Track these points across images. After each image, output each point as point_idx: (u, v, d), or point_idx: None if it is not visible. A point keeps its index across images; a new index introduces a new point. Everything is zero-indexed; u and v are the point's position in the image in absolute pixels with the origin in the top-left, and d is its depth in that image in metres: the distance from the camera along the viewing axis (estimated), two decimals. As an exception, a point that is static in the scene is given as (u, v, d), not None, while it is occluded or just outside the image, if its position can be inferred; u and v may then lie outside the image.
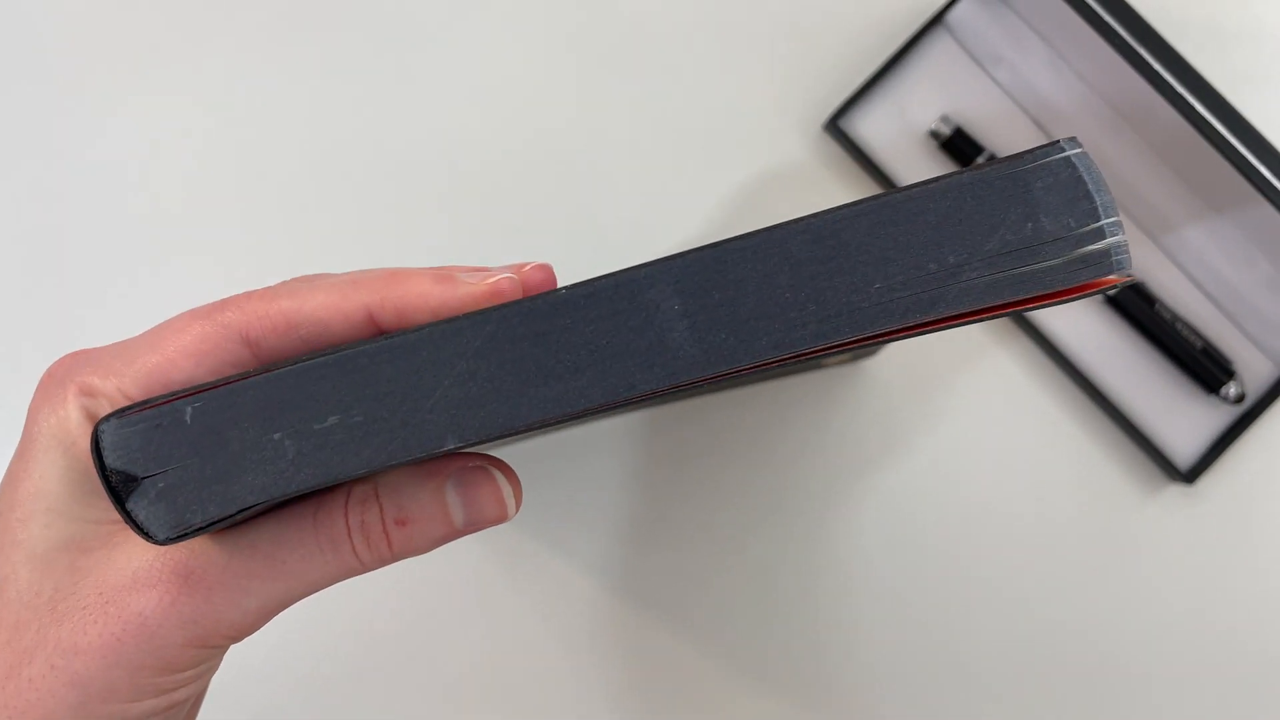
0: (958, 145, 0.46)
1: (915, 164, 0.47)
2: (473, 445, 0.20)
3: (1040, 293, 0.19)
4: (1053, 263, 0.19)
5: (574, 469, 0.47)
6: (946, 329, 0.20)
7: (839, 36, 0.48)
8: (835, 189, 0.48)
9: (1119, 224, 0.19)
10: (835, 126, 0.47)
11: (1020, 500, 0.47)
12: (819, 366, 0.45)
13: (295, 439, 0.20)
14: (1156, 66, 0.40)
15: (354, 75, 0.49)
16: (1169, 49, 0.42)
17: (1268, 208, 0.40)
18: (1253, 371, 0.46)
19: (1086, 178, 0.19)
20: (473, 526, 0.24)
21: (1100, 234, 0.19)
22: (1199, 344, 0.45)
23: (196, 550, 0.22)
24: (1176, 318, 0.45)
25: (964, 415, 0.47)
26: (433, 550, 0.24)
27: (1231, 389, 0.45)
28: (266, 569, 0.22)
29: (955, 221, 0.19)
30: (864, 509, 0.46)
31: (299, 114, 0.49)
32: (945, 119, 0.46)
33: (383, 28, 0.49)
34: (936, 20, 0.47)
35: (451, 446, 0.20)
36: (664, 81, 0.48)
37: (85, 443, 0.22)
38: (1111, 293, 0.20)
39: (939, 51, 0.47)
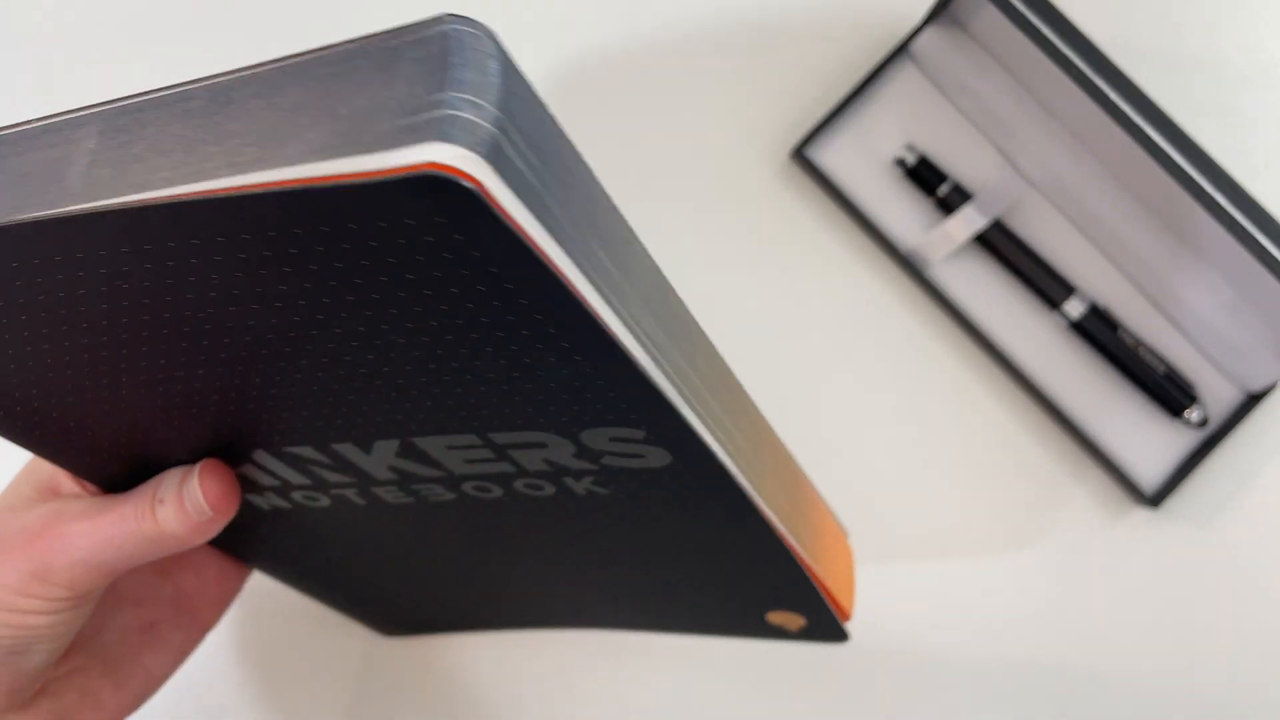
0: (922, 173, 0.47)
1: (881, 191, 0.47)
2: None
3: (358, 151, 0.16)
4: (384, 126, 0.16)
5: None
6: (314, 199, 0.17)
7: (805, 66, 0.49)
8: (802, 216, 0.48)
9: (475, 104, 0.16)
10: (801, 155, 0.47)
11: (985, 524, 0.47)
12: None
13: None
14: (1113, 96, 0.41)
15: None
16: (1125, 78, 0.42)
17: (1226, 235, 0.41)
18: (1215, 395, 0.46)
19: (454, 51, 0.17)
20: (195, 514, 0.27)
21: (441, 104, 0.16)
22: (1162, 369, 0.45)
23: (50, 513, 0.29)
24: (1139, 342, 0.46)
25: (926, 438, 0.47)
26: (191, 535, 0.28)
27: (1194, 413, 0.45)
28: (90, 528, 0.28)
29: (336, 86, 0.18)
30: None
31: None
32: (910, 147, 0.47)
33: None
34: (901, 50, 0.47)
35: None
36: (630, 109, 0.49)
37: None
38: (455, 196, 0.16)
39: (903, 80, 0.48)
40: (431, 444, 0.25)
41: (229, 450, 0.28)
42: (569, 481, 0.27)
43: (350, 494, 0.29)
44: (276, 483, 0.29)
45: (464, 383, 0.22)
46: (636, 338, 0.21)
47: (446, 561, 0.35)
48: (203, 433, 0.27)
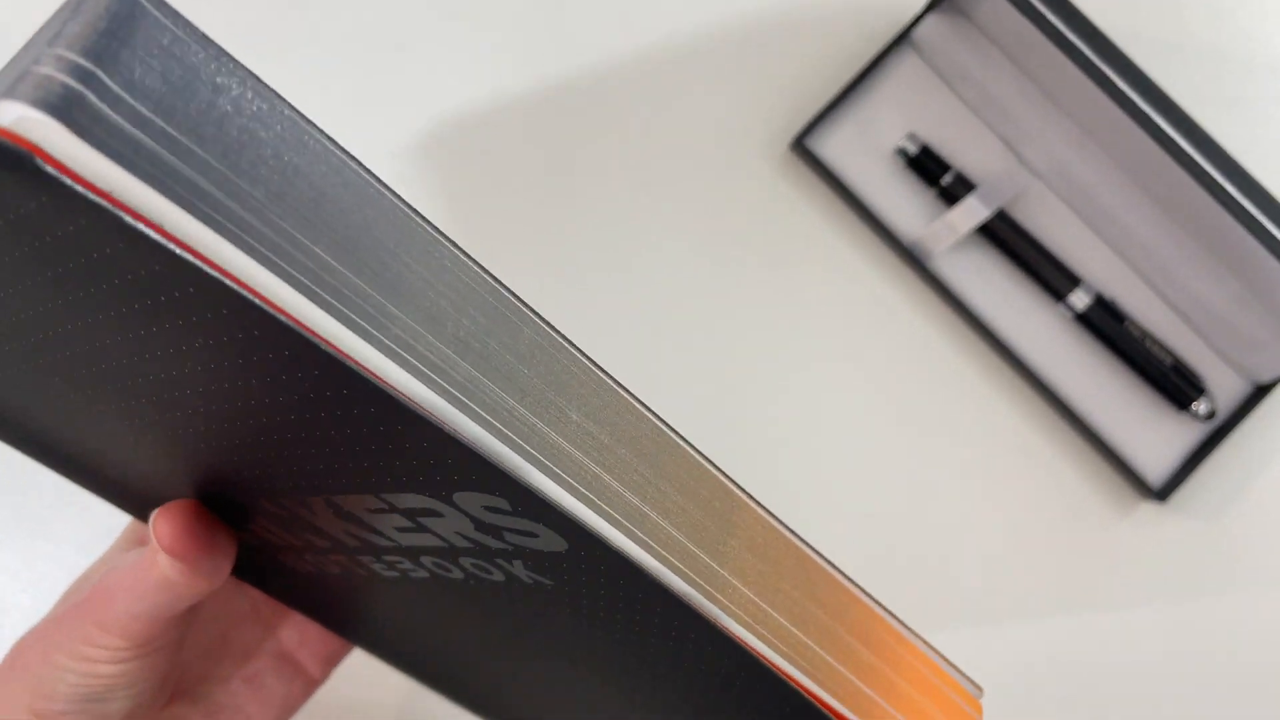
0: (924, 163, 0.46)
1: (883, 182, 0.47)
2: None
3: None
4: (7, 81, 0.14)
5: None
6: None
7: (805, 55, 0.48)
8: (803, 207, 0.47)
9: (61, 57, 0.14)
10: (801, 146, 0.46)
11: (991, 519, 0.46)
12: None
13: None
14: (1121, 84, 0.40)
15: (316, 100, 0.48)
16: (1134, 67, 0.42)
17: (1236, 226, 0.40)
18: (1223, 388, 0.45)
19: (76, 6, 0.15)
20: (170, 558, 0.27)
21: (33, 62, 0.14)
22: (1169, 361, 0.45)
23: (112, 567, 0.29)
24: (1146, 335, 0.45)
25: (929, 433, 0.46)
26: (187, 581, 0.27)
27: (1202, 406, 0.45)
28: (128, 580, 0.28)
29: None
30: (834, 525, 0.46)
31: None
32: (912, 137, 0.46)
33: (343, 60, 0.48)
34: (902, 38, 0.47)
35: None
36: (628, 100, 0.48)
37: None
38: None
39: (905, 69, 0.47)
40: (351, 504, 0.23)
41: (215, 497, 0.26)
42: (504, 564, 0.22)
43: (343, 559, 0.27)
44: (276, 540, 0.28)
45: (266, 424, 0.20)
46: (402, 364, 0.16)
47: (478, 654, 0.34)
48: (177, 474, 0.26)
